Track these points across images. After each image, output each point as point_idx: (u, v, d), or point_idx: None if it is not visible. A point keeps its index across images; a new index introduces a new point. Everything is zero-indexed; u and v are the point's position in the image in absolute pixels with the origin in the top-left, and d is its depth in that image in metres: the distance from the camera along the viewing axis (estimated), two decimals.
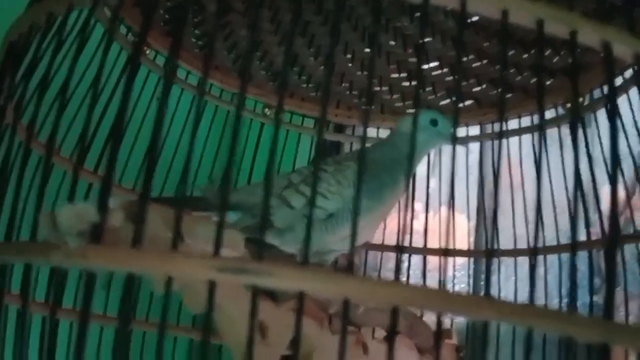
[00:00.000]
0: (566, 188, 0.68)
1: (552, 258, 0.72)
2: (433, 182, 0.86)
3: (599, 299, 0.67)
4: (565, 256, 0.70)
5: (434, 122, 0.61)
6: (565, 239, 0.71)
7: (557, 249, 0.69)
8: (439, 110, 0.66)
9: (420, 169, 0.80)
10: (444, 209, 0.83)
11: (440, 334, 0.26)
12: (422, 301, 0.25)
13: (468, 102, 0.78)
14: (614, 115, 0.29)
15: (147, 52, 0.68)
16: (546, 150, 0.71)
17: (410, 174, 0.63)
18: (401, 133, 0.63)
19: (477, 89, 0.76)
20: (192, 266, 0.26)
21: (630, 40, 0.31)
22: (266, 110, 0.79)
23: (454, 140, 0.31)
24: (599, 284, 0.70)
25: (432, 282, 0.77)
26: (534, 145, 0.74)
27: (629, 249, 0.62)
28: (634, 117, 0.61)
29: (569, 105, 0.66)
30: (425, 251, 0.77)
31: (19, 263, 0.32)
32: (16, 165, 0.37)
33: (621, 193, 0.66)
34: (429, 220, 0.80)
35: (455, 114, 0.63)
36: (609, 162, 0.28)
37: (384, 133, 0.81)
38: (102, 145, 0.48)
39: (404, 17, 0.73)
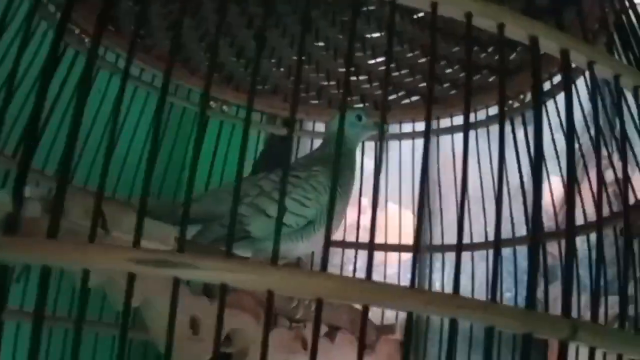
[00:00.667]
0: (507, 183, 0.70)
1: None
2: (380, 179, 0.87)
3: (538, 293, 0.68)
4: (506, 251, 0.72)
5: (358, 118, 0.65)
6: (505, 234, 0.73)
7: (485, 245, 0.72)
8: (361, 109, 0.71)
9: (368, 166, 0.81)
10: (390, 205, 0.84)
11: (364, 323, 0.26)
12: (347, 292, 0.25)
13: (415, 98, 0.79)
14: (539, 112, 0.29)
15: (76, 31, 0.65)
16: (477, 148, 0.73)
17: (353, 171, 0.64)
18: (334, 132, 0.66)
19: (423, 84, 0.77)
20: (110, 258, 0.25)
21: (557, 35, 0.31)
22: (211, 103, 0.78)
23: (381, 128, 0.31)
24: (538, 278, 0.71)
25: (379, 277, 0.77)
26: (477, 142, 0.75)
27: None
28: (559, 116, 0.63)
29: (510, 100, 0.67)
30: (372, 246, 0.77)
31: None
32: None
33: (561, 188, 0.68)
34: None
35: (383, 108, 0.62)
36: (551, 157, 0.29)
37: None
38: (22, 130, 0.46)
39: (347, 11, 0.73)
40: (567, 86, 0.31)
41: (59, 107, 0.57)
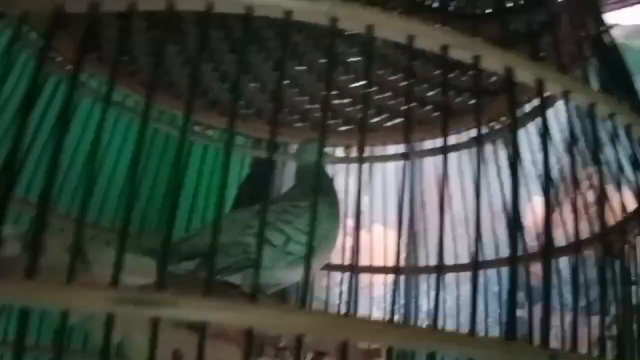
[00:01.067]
0: (490, 204, 0.70)
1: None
2: (365, 200, 0.87)
3: (523, 313, 0.69)
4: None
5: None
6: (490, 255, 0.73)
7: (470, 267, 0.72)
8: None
9: (351, 187, 0.81)
10: (376, 226, 0.84)
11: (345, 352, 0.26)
12: (326, 329, 0.25)
13: (398, 120, 0.80)
14: (515, 138, 0.30)
15: (59, 58, 0.65)
16: (479, 168, 0.74)
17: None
18: (301, 166, 0.66)
19: (405, 107, 0.77)
20: (90, 298, 0.25)
21: (532, 66, 0.32)
22: (195, 127, 0.78)
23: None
24: (522, 298, 0.71)
25: (365, 300, 0.77)
26: (460, 164, 0.75)
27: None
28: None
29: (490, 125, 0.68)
30: (355, 269, 0.77)
31: None
32: None
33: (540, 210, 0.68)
34: (360, 237, 0.80)
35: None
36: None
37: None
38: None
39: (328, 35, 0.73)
40: (542, 117, 0.32)
41: (42, 133, 0.57)
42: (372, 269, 0.80)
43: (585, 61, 0.43)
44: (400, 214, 0.29)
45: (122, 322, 0.31)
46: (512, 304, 0.27)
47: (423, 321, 0.83)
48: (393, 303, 0.27)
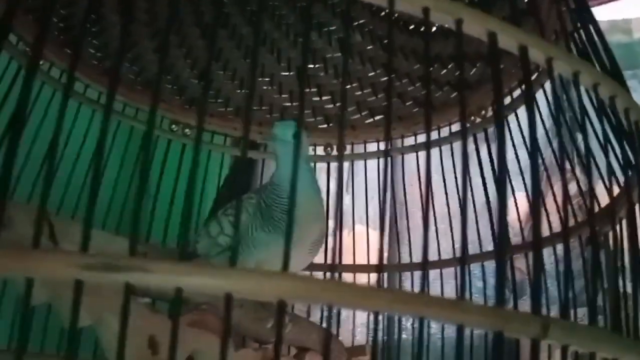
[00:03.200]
0: (472, 199, 0.70)
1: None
2: (347, 199, 0.86)
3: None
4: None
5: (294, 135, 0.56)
6: (473, 251, 0.72)
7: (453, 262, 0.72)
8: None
9: (332, 187, 0.80)
10: (358, 226, 0.83)
11: (329, 333, 0.24)
12: (309, 292, 0.23)
13: (378, 117, 0.79)
14: (501, 118, 0.29)
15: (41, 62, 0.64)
16: (442, 164, 0.73)
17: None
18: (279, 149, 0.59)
19: (385, 103, 0.77)
20: (55, 265, 0.23)
21: (515, 32, 0.31)
22: (173, 126, 0.77)
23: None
24: (507, 294, 0.71)
25: None
26: (441, 159, 0.75)
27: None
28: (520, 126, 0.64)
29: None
30: (339, 268, 0.75)
31: None
32: None
33: (526, 204, 0.68)
34: (343, 237, 0.79)
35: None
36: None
37: None
38: None
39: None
40: (526, 84, 0.31)
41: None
42: (355, 268, 0.78)
43: (567, 42, 0.43)
44: (382, 212, 0.28)
45: (93, 304, 0.30)
46: (500, 271, 0.26)
47: (408, 320, 0.82)
48: (378, 281, 0.26)
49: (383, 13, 0.72)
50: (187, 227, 0.24)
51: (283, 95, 0.79)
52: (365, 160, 0.81)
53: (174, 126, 0.77)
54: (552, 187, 0.66)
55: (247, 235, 0.56)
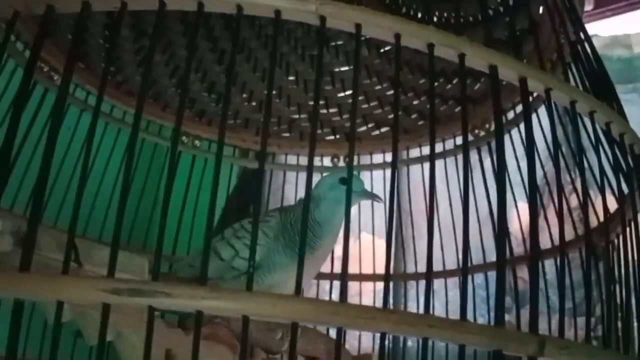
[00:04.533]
0: (476, 210, 0.71)
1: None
2: (354, 208, 0.88)
3: (511, 318, 0.69)
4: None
5: (341, 181, 0.60)
6: (477, 261, 0.74)
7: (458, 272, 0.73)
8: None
9: None
10: (364, 235, 0.84)
11: (339, 348, 0.26)
12: (320, 315, 0.25)
13: (384, 129, 0.81)
14: (501, 136, 0.31)
15: (45, 69, 0.65)
16: (446, 176, 0.75)
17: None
18: (313, 197, 0.60)
19: (392, 115, 0.78)
20: (84, 289, 0.25)
21: (515, 64, 0.33)
22: (183, 138, 0.79)
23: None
24: (510, 303, 0.72)
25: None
26: (446, 171, 0.76)
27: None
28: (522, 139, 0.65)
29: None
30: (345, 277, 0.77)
31: None
32: None
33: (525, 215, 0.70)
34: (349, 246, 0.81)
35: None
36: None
37: (303, 160, 0.83)
38: None
39: (315, 46, 0.75)
40: (526, 112, 0.33)
41: (28, 146, 0.57)
42: (361, 277, 0.80)
43: (566, 65, 0.44)
44: (390, 225, 0.30)
45: (114, 321, 0.32)
46: (499, 293, 0.28)
47: None
48: (385, 302, 0.28)
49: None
50: (207, 253, 0.26)
51: (291, 108, 0.81)
52: (371, 171, 0.83)
53: (184, 138, 0.79)
54: (553, 199, 0.68)
55: (268, 258, 0.57)
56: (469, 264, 0.73)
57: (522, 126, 0.69)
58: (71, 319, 0.32)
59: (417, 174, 0.79)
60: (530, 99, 0.60)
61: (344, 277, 0.27)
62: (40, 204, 0.27)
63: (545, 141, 0.68)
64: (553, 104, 0.36)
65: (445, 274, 0.75)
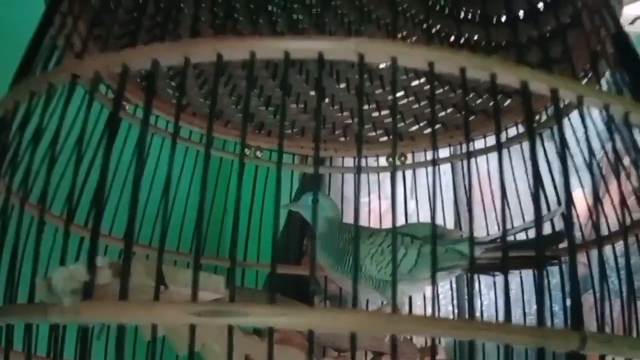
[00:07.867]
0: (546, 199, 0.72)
1: None
2: (412, 204, 0.90)
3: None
4: None
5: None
6: None
7: None
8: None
9: (399, 192, 0.84)
10: None
11: (394, 349, 0.29)
12: (375, 325, 0.29)
13: (437, 127, 0.83)
14: (533, 137, 0.33)
15: (127, 107, 0.72)
16: (511, 165, 0.76)
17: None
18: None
19: (443, 114, 0.80)
20: (174, 313, 0.29)
21: (545, 77, 0.35)
22: (246, 150, 0.84)
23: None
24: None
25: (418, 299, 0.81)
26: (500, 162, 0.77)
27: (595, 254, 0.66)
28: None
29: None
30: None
31: (20, 323, 0.35)
32: (11, 228, 0.41)
33: (584, 201, 0.70)
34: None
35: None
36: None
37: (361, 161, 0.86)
38: (90, 201, 0.51)
39: None
40: (558, 122, 0.35)
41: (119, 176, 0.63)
42: None
43: (596, 65, 0.45)
44: (457, 213, 0.33)
45: (198, 334, 0.36)
46: (541, 293, 0.31)
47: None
48: (433, 306, 0.31)
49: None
50: (274, 274, 0.30)
51: (345, 114, 0.84)
52: (426, 168, 0.85)
53: (247, 150, 0.84)
54: (608, 189, 0.68)
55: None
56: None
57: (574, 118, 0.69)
58: (164, 334, 0.36)
59: (483, 165, 0.80)
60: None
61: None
62: (131, 237, 0.32)
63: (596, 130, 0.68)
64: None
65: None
